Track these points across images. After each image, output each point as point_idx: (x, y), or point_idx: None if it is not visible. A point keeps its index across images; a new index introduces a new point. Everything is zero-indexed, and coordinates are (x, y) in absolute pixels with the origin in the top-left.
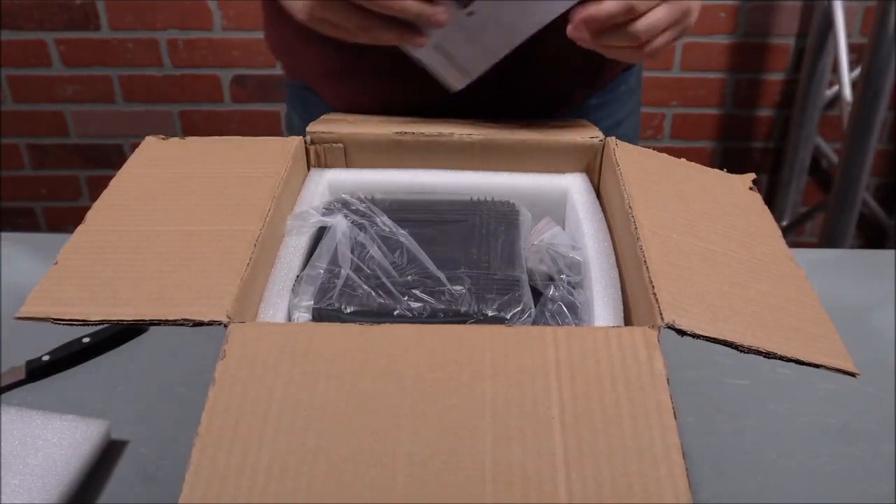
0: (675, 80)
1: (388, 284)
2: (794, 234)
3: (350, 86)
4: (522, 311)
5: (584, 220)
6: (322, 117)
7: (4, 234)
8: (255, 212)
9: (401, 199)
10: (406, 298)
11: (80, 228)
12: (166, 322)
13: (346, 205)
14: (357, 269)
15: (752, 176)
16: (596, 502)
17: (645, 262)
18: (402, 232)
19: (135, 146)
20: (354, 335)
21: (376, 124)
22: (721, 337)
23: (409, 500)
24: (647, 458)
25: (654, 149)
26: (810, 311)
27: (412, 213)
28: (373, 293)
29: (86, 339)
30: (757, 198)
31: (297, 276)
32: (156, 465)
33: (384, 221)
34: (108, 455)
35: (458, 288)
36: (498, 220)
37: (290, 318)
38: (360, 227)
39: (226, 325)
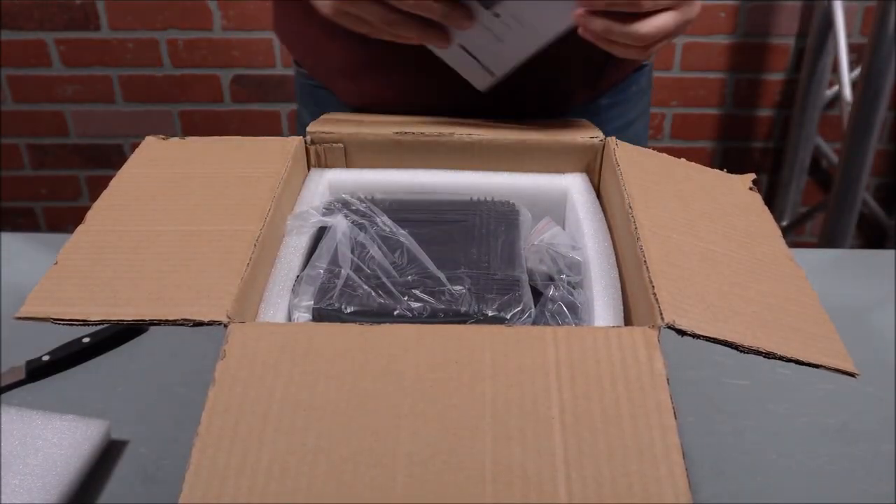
0: (675, 80)
1: (388, 284)
2: (794, 234)
3: (375, 80)
4: (522, 311)
5: (584, 220)
6: (322, 117)
7: (4, 234)
8: (255, 212)
9: (401, 199)
10: (406, 298)
11: (80, 228)
12: (166, 322)
13: (346, 205)
14: (357, 269)
15: (752, 176)
16: (596, 502)
17: (645, 262)
18: (403, 232)
19: (135, 146)
20: (354, 335)
21: (376, 124)
22: (721, 337)
23: (409, 500)
24: (647, 458)
25: (654, 149)
26: (810, 311)
27: (412, 213)
28: (373, 293)
29: (86, 339)
30: (757, 198)
31: (297, 276)
32: (156, 465)
33: (384, 221)
34: (108, 455)
35: (458, 288)
36: (498, 220)
37: (290, 318)
38: (361, 227)
39: (226, 325)
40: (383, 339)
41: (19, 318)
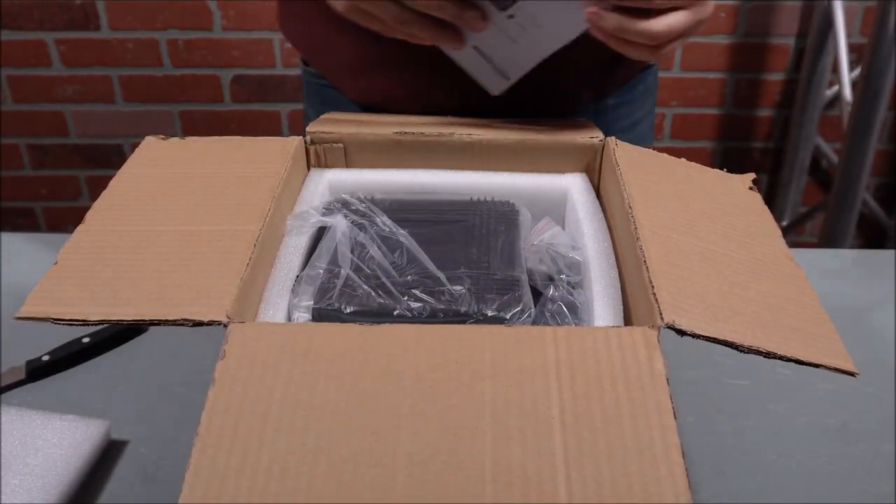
0: (675, 80)
1: (388, 284)
2: (794, 234)
3: (383, 78)
4: (522, 311)
5: (584, 220)
6: (322, 117)
7: (4, 234)
8: (255, 212)
9: (401, 199)
10: (406, 298)
11: (80, 228)
12: (166, 322)
13: (346, 205)
14: (357, 269)
15: (752, 176)
16: (596, 502)
17: (645, 262)
18: (402, 232)
19: (135, 146)
20: (354, 335)
21: (376, 124)
22: (721, 337)
23: (409, 500)
24: (647, 458)
25: (654, 149)
26: (810, 311)
27: (412, 213)
28: (373, 293)
29: (86, 339)
30: (757, 198)
31: (297, 276)
32: (156, 465)
33: (384, 221)
34: (108, 455)
35: (458, 288)
36: (498, 219)
37: (290, 318)
38: (360, 227)
39: (226, 325)
40: (383, 339)
41: (19, 318)
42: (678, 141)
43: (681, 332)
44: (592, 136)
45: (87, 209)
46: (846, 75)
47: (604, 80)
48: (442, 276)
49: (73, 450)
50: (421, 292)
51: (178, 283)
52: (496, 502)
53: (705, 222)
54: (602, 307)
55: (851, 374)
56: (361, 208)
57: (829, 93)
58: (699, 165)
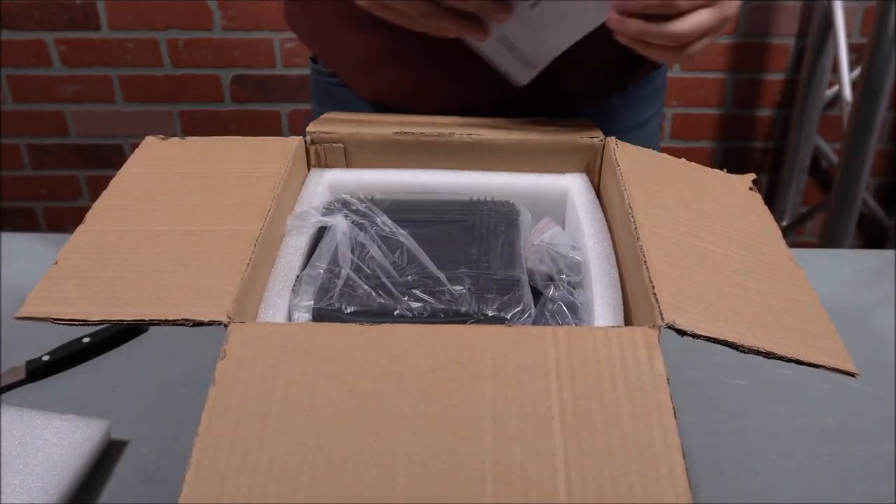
0: (675, 80)
1: (388, 284)
2: (794, 234)
3: (395, 74)
4: (522, 311)
5: (584, 220)
6: (322, 116)
7: (4, 234)
8: (255, 212)
9: (401, 199)
10: (406, 298)
11: (80, 228)
12: (166, 322)
13: (346, 205)
14: (357, 269)
15: (752, 176)
16: (596, 502)
17: (645, 262)
18: (402, 232)
19: (135, 146)
20: (354, 335)
21: (376, 124)
22: (721, 337)
23: (409, 500)
24: (647, 458)
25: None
26: (810, 311)
27: (412, 213)
28: (373, 293)
29: (86, 339)
30: (757, 198)
31: (297, 276)
32: (156, 465)
33: (384, 221)
34: (108, 455)
35: (458, 288)
36: (498, 220)
37: (290, 318)
38: (361, 227)
39: (226, 325)
40: (383, 339)
41: (19, 318)
42: (678, 141)
43: (681, 332)
44: (592, 136)
45: (87, 209)
46: (846, 75)
47: (612, 79)
48: (442, 276)
49: (73, 450)
50: (421, 292)
51: (178, 283)
52: (496, 502)
53: (705, 222)
54: (602, 307)
55: (851, 374)
56: (361, 208)
57: (829, 93)
58: (699, 165)
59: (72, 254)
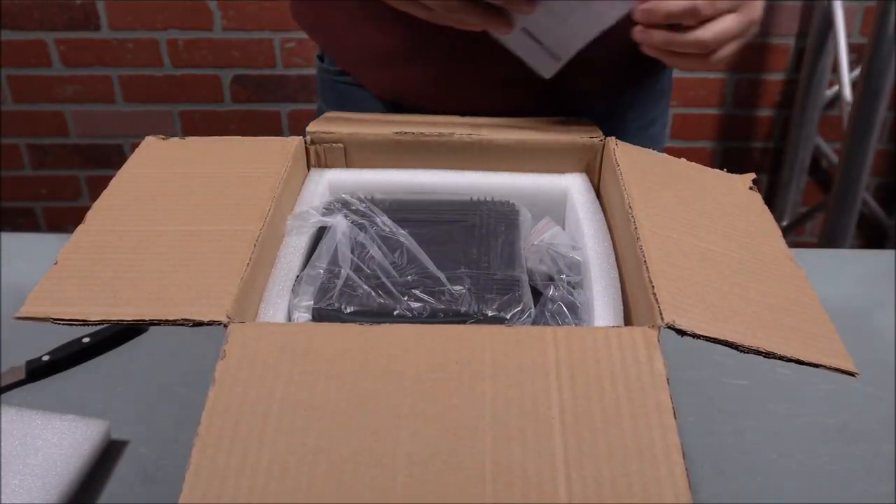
0: (676, 80)
1: (388, 284)
2: (794, 234)
3: (409, 70)
4: (522, 311)
5: (584, 220)
6: (322, 116)
7: (4, 234)
8: (255, 212)
9: (401, 199)
10: (406, 298)
11: (80, 228)
12: (166, 322)
13: (346, 205)
14: (357, 269)
15: (752, 176)
16: (596, 502)
17: (645, 262)
18: (402, 232)
19: (135, 146)
20: (354, 335)
21: (376, 124)
22: (721, 337)
23: (409, 500)
24: (647, 458)
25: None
26: (810, 311)
27: (412, 213)
28: (373, 293)
29: (86, 339)
30: (757, 198)
31: (297, 276)
32: (156, 465)
33: (384, 221)
34: (108, 455)
35: (458, 288)
36: (498, 220)
37: (290, 318)
38: (360, 227)
39: (226, 325)
40: (383, 339)
41: (19, 318)
42: (678, 141)
43: (681, 332)
44: (592, 136)
45: (87, 209)
46: (846, 75)
47: (620, 79)
48: (442, 276)
49: (73, 450)
50: (421, 292)
51: (178, 283)
52: (496, 502)
53: (705, 222)
54: (602, 307)
55: (851, 374)
56: (361, 208)
57: (829, 93)
58: (699, 165)
59: (72, 254)
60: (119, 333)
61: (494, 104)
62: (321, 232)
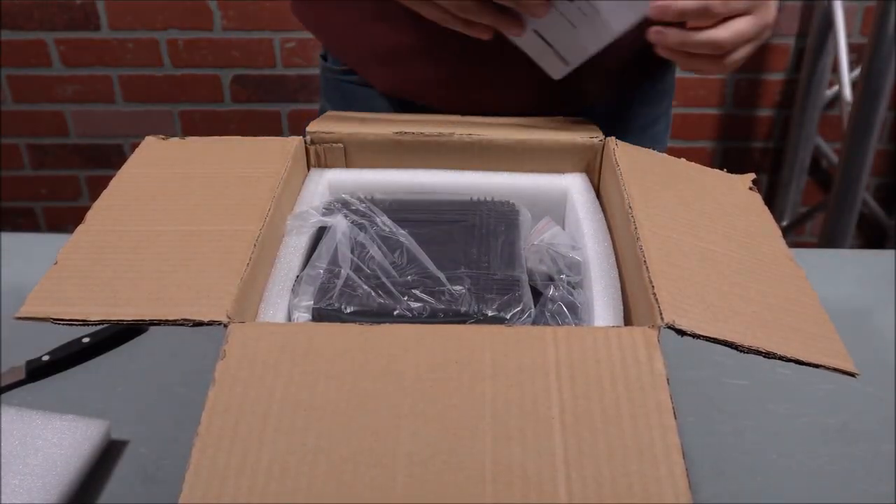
0: (676, 80)
1: (388, 284)
2: (794, 234)
3: (416, 68)
4: (522, 311)
5: (584, 220)
6: (323, 116)
7: (4, 234)
8: (255, 212)
9: (401, 199)
10: (406, 298)
11: (80, 228)
12: (166, 322)
13: (346, 205)
14: (357, 269)
15: (752, 176)
16: (596, 502)
17: (645, 262)
18: (402, 232)
19: (135, 146)
20: (354, 335)
21: (376, 124)
22: (721, 337)
23: (409, 500)
24: (647, 458)
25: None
26: (810, 311)
27: (412, 213)
28: (373, 293)
29: (86, 339)
30: (757, 198)
31: (297, 276)
32: (156, 465)
33: (384, 221)
34: (108, 455)
35: (458, 288)
36: (498, 219)
37: (290, 318)
38: (360, 227)
39: (226, 325)
40: (383, 339)
41: (19, 318)
42: (678, 141)
43: (681, 332)
44: (592, 136)
45: (87, 209)
46: (846, 75)
47: (625, 79)
48: (442, 276)
49: (73, 450)
50: (421, 292)
51: (178, 283)
52: (496, 502)
53: (705, 222)
54: (602, 307)
55: (851, 374)
56: (361, 208)
57: (829, 93)
58: (699, 165)
59: (72, 254)
60: (119, 333)
61: (502, 105)
62: (321, 232)
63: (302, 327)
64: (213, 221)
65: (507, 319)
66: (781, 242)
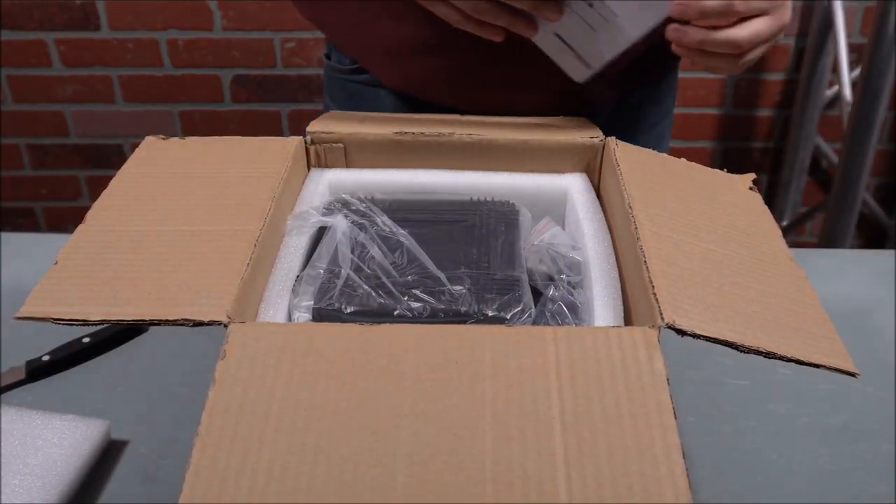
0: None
1: (388, 284)
2: (794, 234)
3: (429, 63)
4: (522, 311)
5: (584, 220)
6: (322, 116)
7: (4, 234)
8: (255, 212)
9: (401, 199)
10: (406, 298)
11: (80, 228)
12: (166, 322)
13: (346, 205)
14: (357, 269)
15: (752, 176)
16: (596, 502)
17: (645, 262)
18: (402, 232)
19: (135, 146)
20: (354, 335)
21: (376, 124)
22: (721, 337)
23: (409, 500)
24: (647, 458)
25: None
26: (810, 311)
27: (412, 213)
28: (373, 293)
29: (86, 339)
30: (757, 198)
31: (297, 276)
32: (156, 465)
33: (384, 221)
34: (108, 455)
35: (458, 288)
36: (498, 219)
37: (290, 318)
38: (361, 227)
39: (226, 325)
40: (383, 339)
41: (19, 318)
42: (678, 141)
43: (681, 332)
44: (592, 136)
45: (87, 209)
46: (846, 75)
47: (631, 79)
48: (442, 276)
49: (73, 450)
50: (421, 292)
51: (178, 283)
52: (496, 502)
53: (705, 222)
54: (602, 307)
55: (852, 374)
56: (361, 208)
57: (829, 93)
58: (699, 165)
59: (72, 254)
60: (119, 333)
61: (509, 105)
62: (321, 232)
63: (302, 327)
64: (213, 221)
65: (507, 319)
66: (781, 242)
